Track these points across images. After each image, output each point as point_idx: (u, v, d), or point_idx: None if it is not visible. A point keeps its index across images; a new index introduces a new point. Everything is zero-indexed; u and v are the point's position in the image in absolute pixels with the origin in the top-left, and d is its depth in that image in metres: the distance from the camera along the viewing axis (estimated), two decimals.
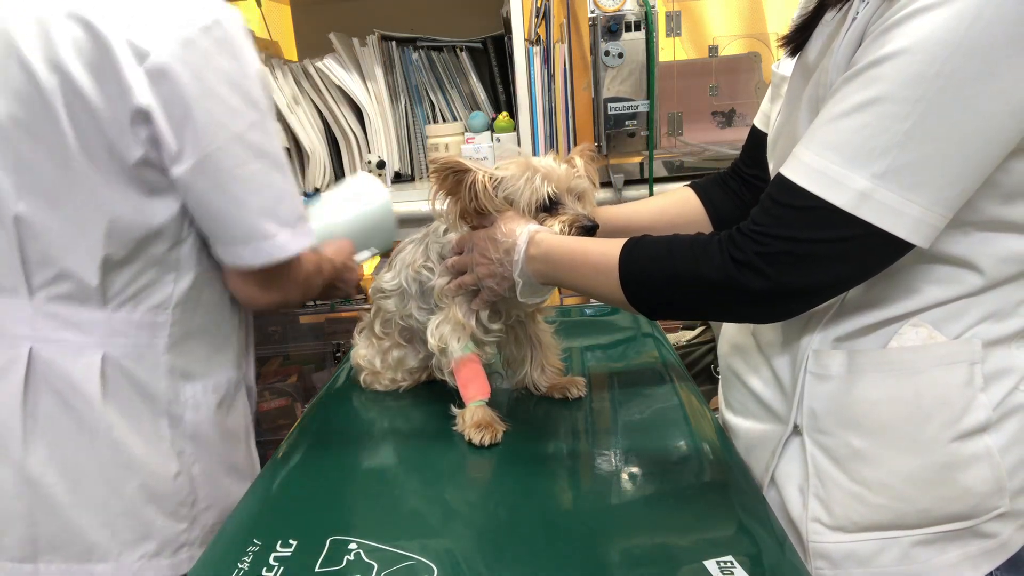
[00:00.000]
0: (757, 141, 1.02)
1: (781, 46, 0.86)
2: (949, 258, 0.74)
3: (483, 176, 0.97)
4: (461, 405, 1.04)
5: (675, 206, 1.12)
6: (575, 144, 1.88)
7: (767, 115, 1.01)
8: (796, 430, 0.83)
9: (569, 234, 0.96)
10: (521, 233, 0.94)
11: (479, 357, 1.06)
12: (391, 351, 1.20)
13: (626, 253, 0.82)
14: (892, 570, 0.79)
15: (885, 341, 0.78)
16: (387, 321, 1.20)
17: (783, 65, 0.94)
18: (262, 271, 0.96)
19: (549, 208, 0.99)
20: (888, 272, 0.73)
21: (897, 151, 0.63)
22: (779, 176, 0.71)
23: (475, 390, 1.04)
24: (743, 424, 0.92)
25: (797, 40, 0.83)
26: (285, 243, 0.94)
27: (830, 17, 0.77)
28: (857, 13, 0.69)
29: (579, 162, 1.04)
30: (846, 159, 0.65)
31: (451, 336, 1.05)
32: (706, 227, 1.09)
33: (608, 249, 0.84)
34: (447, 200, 1.00)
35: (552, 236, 0.94)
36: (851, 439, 0.79)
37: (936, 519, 0.78)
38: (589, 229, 0.97)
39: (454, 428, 1.03)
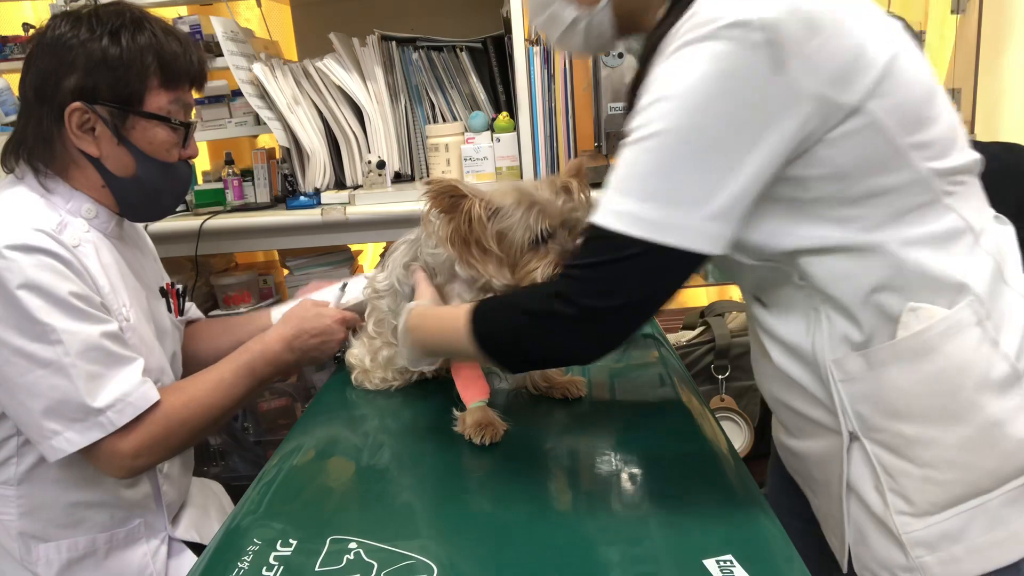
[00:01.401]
0: None
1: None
2: (878, 248, 0.79)
3: (479, 205, 0.97)
4: (462, 408, 1.04)
5: None
6: (575, 145, 1.88)
7: None
8: (852, 436, 0.85)
9: (552, 274, 0.97)
10: (405, 310, 1.02)
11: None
12: (381, 350, 1.21)
13: (474, 308, 0.88)
14: (986, 538, 0.81)
15: (892, 332, 0.80)
16: (380, 321, 1.21)
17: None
18: (89, 455, 1.06)
19: (543, 241, 0.98)
20: (841, 275, 0.79)
21: (650, 176, 0.74)
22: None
23: (475, 392, 1.04)
24: (805, 445, 0.93)
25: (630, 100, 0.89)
26: (72, 439, 1.03)
27: None
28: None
29: (575, 186, 1.03)
30: (617, 190, 0.77)
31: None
32: None
33: (459, 310, 0.90)
34: (440, 217, 0.99)
35: (427, 309, 0.98)
36: (901, 429, 0.81)
37: (1007, 475, 0.80)
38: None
39: (455, 430, 1.03)
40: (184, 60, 1.14)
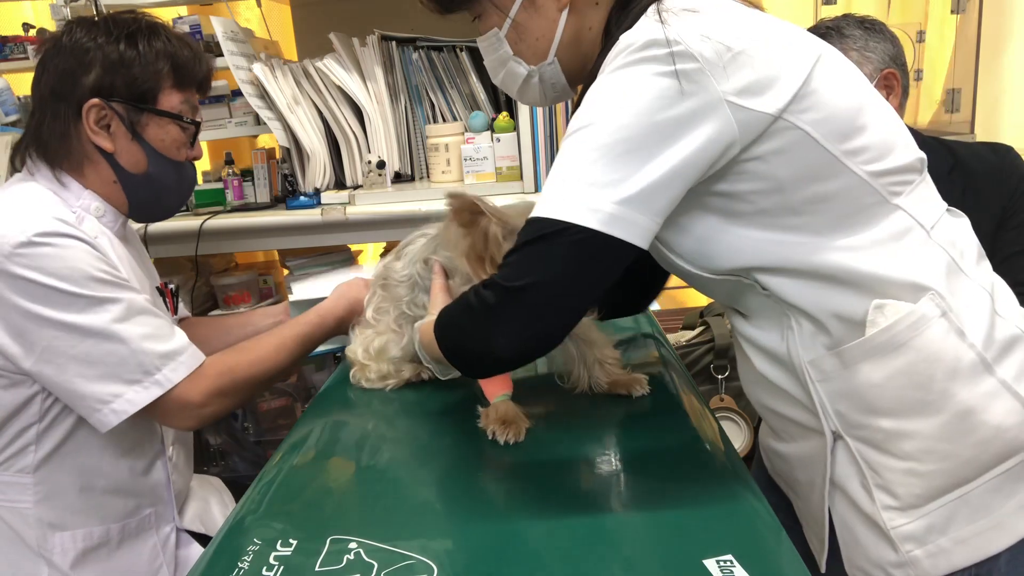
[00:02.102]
0: None
1: None
2: (828, 258, 0.81)
3: (496, 225, 0.96)
4: (486, 404, 1.03)
5: None
6: None
7: None
8: (836, 435, 0.86)
9: None
10: (415, 328, 1.03)
11: None
12: (374, 340, 1.20)
13: (438, 316, 0.90)
14: (971, 528, 0.82)
15: (861, 331, 0.82)
16: (380, 308, 1.20)
17: None
18: (157, 410, 1.11)
19: None
20: (801, 282, 0.82)
21: (566, 165, 0.79)
22: None
23: (497, 386, 1.03)
24: (791, 448, 0.94)
25: None
26: (133, 399, 1.09)
27: None
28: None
29: None
30: (546, 186, 0.81)
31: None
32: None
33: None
34: (459, 231, 0.99)
35: (428, 322, 0.97)
36: (880, 423, 0.83)
37: (987, 464, 0.81)
38: None
39: (479, 425, 1.01)
40: (195, 65, 1.22)
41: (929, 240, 0.83)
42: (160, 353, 1.10)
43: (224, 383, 1.16)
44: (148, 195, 1.23)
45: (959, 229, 0.89)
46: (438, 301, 1.06)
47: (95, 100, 1.13)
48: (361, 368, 1.22)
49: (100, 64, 1.14)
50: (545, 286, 0.78)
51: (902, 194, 0.83)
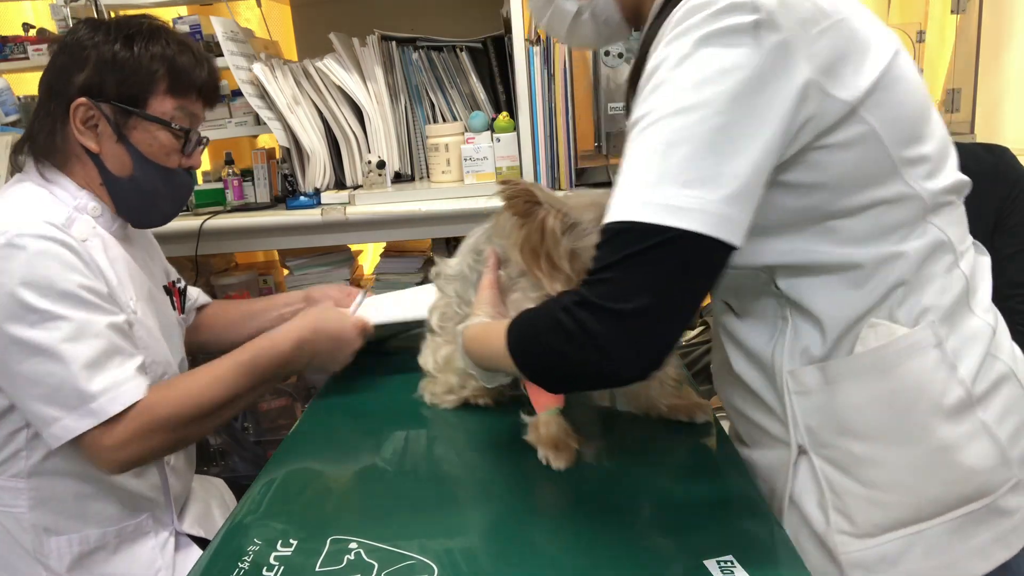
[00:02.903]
0: None
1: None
2: (862, 259, 0.78)
3: (555, 217, 0.87)
4: (531, 411, 0.95)
5: None
6: (575, 145, 1.88)
7: None
8: (801, 449, 0.84)
9: None
10: (458, 331, 0.94)
11: None
12: (440, 349, 1.10)
13: (512, 322, 0.81)
14: (923, 565, 0.80)
15: (850, 348, 0.79)
16: (444, 315, 1.12)
17: None
18: (80, 446, 1.06)
19: None
20: (818, 286, 0.79)
21: (656, 161, 0.70)
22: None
23: (549, 397, 0.94)
24: (756, 455, 0.92)
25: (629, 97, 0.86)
26: (69, 425, 1.04)
27: None
28: (642, 71, 0.76)
29: None
30: (625, 185, 0.71)
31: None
32: None
33: (504, 325, 0.82)
34: (512, 220, 0.90)
35: (477, 327, 0.90)
36: (850, 446, 0.80)
37: (950, 504, 0.79)
38: None
39: (525, 439, 0.94)
40: (195, 72, 1.18)
41: (955, 266, 0.81)
42: (100, 381, 1.04)
43: (137, 426, 1.06)
44: (134, 199, 1.19)
45: (981, 266, 0.86)
46: (484, 298, 0.97)
47: (82, 99, 1.11)
48: (430, 380, 1.14)
49: (93, 63, 1.12)
50: (659, 305, 0.70)
51: (940, 214, 0.80)
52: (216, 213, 1.96)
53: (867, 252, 0.77)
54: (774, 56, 0.69)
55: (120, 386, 1.05)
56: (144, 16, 1.20)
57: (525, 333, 0.79)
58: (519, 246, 0.89)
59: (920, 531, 0.79)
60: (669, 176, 0.69)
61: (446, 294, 1.11)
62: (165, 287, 1.33)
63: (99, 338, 1.05)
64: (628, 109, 0.82)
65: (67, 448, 1.07)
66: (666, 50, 0.72)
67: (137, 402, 1.06)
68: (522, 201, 0.87)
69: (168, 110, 1.16)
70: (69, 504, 1.15)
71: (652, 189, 0.69)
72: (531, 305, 0.89)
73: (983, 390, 0.79)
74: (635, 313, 0.69)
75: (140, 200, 1.20)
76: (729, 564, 0.71)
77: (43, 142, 1.15)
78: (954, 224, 0.82)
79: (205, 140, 1.26)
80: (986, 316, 0.83)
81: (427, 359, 1.13)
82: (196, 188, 2.08)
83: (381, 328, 1.27)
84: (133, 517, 1.20)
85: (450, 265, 1.12)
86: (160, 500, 1.23)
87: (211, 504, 1.37)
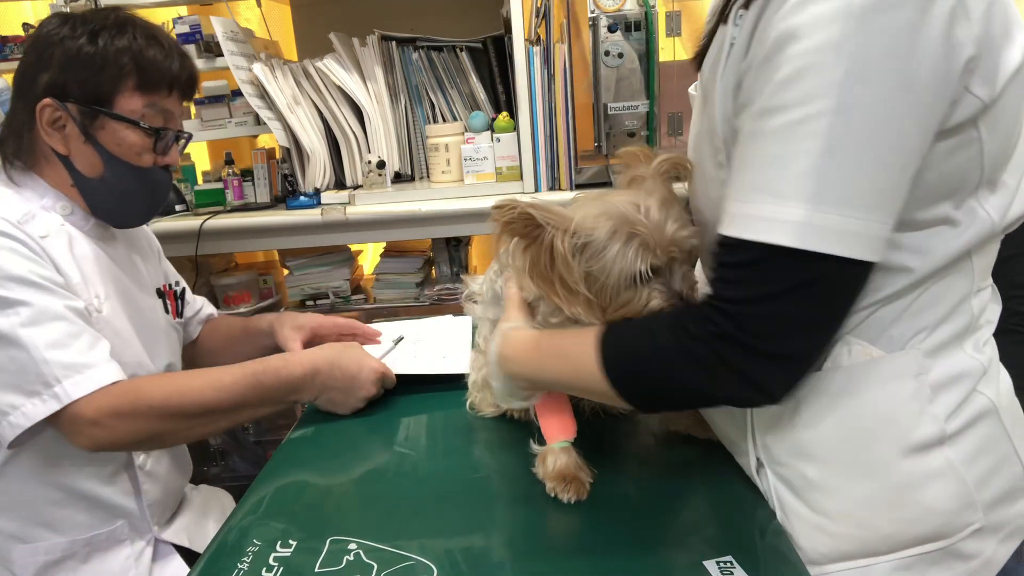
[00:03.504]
0: None
1: (696, 69, 0.82)
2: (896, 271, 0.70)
3: (562, 239, 0.75)
4: (541, 441, 0.89)
5: None
6: (575, 145, 1.88)
7: None
8: (760, 462, 0.81)
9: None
10: (496, 333, 0.86)
11: None
12: (482, 369, 1.04)
13: (604, 341, 0.74)
14: None
15: (820, 363, 0.73)
16: (486, 336, 1.04)
17: (695, 86, 0.89)
18: (54, 421, 1.02)
19: (646, 280, 0.76)
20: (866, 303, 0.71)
21: (820, 170, 0.59)
22: (720, 238, 0.66)
23: (559, 428, 0.87)
24: (736, 459, 0.90)
25: (699, 59, 0.80)
26: (28, 412, 1.00)
27: (720, 35, 0.73)
28: (733, 39, 0.67)
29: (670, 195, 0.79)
30: (772, 195, 0.61)
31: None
32: None
33: (582, 339, 0.76)
34: (513, 243, 0.79)
35: (528, 332, 0.83)
36: (804, 469, 0.76)
37: (903, 543, 0.73)
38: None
39: (533, 471, 0.89)
40: (164, 66, 1.12)
41: (967, 300, 0.73)
42: (63, 363, 1.00)
43: (122, 403, 1.03)
44: (107, 200, 1.15)
45: (990, 311, 0.79)
46: (516, 302, 0.88)
47: (48, 100, 1.08)
48: (478, 391, 1.09)
49: (57, 62, 1.08)
50: (814, 342, 0.66)
51: (982, 251, 0.72)
52: (216, 213, 1.97)
53: (880, 265, 0.66)
54: (945, 38, 0.58)
55: (89, 368, 1.02)
56: (114, 8, 1.14)
57: (631, 353, 0.73)
58: (528, 273, 0.80)
59: (867, 566, 0.74)
60: (830, 193, 0.59)
61: (473, 315, 1.03)
62: (158, 290, 1.30)
63: (59, 320, 1.02)
64: (700, 67, 0.75)
65: (33, 451, 1.05)
66: (799, 17, 0.59)
67: (123, 383, 1.04)
68: (521, 225, 0.77)
69: (137, 108, 1.11)
70: (35, 511, 1.12)
71: (810, 208, 0.59)
72: (557, 323, 0.84)
73: (956, 427, 0.72)
74: (790, 356, 0.65)
75: (113, 200, 1.16)
76: (729, 564, 0.71)
77: (12, 144, 1.12)
78: (986, 255, 0.74)
79: (186, 136, 1.22)
80: (979, 355, 0.74)
81: (472, 377, 1.08)
82: (196, 188, 2.08)
83: (405, 377, 1.20)
84: (106, 525, 1.16)
85: (477, 283, 1.04)
86: (133, 507, 1.18)
87: (208, 516, 1.33)
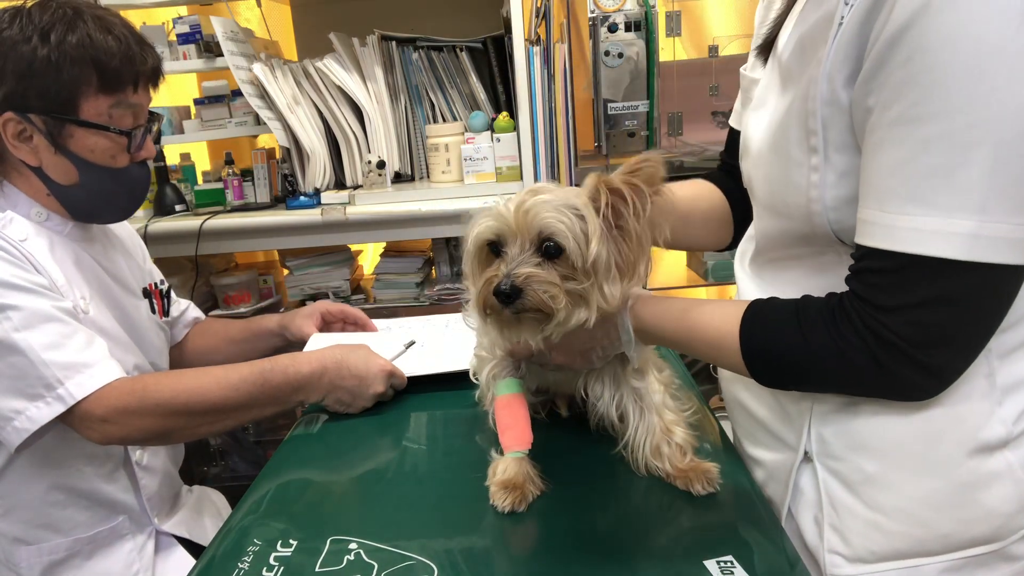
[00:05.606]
0: (736, 139, 0.95)
1: (758, 55, 0.82)
2: None
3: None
4: (500, 450, 0.90)
5: (704, 197, 1.04)
6: (575, 144, 1.88)
7: (740, 115, 0.95)
8: (807, 457, 0.80)
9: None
10: (635, 295, 0.83)
11: (525, 397, 0.92)
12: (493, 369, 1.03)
13: (747, 328, 0.74)
14: None
15: None
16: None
17: (752, 67, 0.88)
18: (65, 420, 1.02)
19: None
20: None
21: (986, 179, 0.58)
22: (871, 251, 0.65)
23: (513, 438, 0.88)
24: (755, 454, 0.90)
25: (766, 46, 0.79)
26: (33, 416, 1.00)
27: (799, 11, 0.73)
28: (843, 18, 0.65)
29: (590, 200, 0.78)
30: (936, 207, 0.60)
31: (484, 367, 0.93)
32: (728, 215, 1.03)
33: (723, 321, 0.76)
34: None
35: (655, 301, 0.82)
36: (863, 463, 0.75)
37: (959, 544, 0.73)
38: (500, 294, 0.75)
39: (485, 484, 0.89)
40: (123, 59, 1.06)
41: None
42: (63, 364, 1.00)
43: (131, 401, 1.03)
44: (85, 204, 1.13)
45: None
46: None
47: (9, 114, 1.03)
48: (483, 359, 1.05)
49: (12, 72, 1.02)
50: (971, 350, 0.66)
51: None
52: (216, 213, 1.97)
53: None
54: None
55: (89, 367, 1.02)
56: (65, 2, 1.06)
57: (776, 348, 0.72)
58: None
59: (918, 566, 0.74)
60: (1000, 203, 0.58)
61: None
62: (144, 289, 1.29)
63: (52, 321, 1.01)
64: (767, 54, 0.74)
65: (31, 454, 1.05)
66: (946, 16, 0.56)
67: (129, 380, 1.04)
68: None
69: (103, 110, 1.07)
70: (37, 513, 1.12)
71: (979, 219, 0.58)
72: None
73: (1018, 431, 0.72)
74: (948, 367, 0.66)
75: (92, 203, 1.14)
76: (729, 564, 0.71)
77: None
78: None
79: (159, 119, 1.17)
80: None
81: (481, 341, 1.02)
82: (196, 188, 2.08)
83: (414, 378, 1.19)
84: (107, 521, 1.17)
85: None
86: (133, 502, 1.19)
87: (203, 513, 1.34)
